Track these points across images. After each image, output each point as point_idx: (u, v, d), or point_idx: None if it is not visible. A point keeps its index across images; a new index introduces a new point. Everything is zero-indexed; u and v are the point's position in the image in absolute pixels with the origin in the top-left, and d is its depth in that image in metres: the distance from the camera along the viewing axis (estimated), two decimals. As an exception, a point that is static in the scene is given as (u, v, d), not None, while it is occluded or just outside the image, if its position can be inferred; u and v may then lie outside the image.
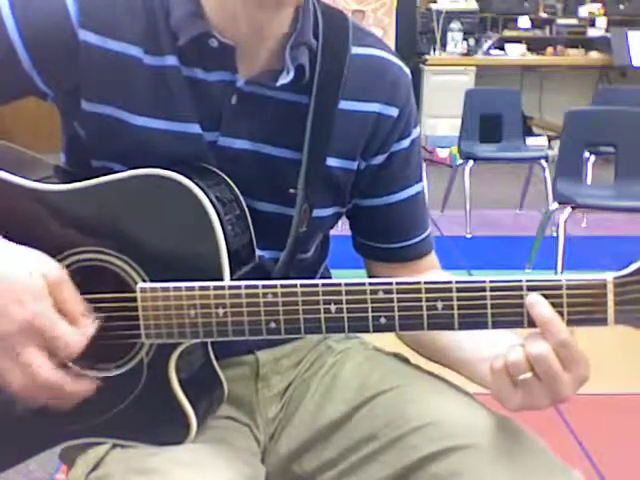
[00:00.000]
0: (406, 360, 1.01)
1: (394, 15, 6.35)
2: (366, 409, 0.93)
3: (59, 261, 0.81)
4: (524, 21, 6.85)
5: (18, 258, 0.76)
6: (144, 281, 0.80)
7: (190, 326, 0.79)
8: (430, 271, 1.02)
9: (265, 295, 0.77)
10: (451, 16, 6.48)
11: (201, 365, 0.89)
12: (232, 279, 0.80)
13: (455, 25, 6.48)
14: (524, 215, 4.72)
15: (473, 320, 0.75)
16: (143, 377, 0.83)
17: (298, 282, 0.77)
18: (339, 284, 0.76)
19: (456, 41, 6.49)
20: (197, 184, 0.79)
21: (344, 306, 0.76)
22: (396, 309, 0.76)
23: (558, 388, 0.75)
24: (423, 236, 1.01)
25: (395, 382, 0.94)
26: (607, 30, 6.73)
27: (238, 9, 0.83)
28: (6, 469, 0.89)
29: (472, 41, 6.62)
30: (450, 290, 0.75)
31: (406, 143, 0.96)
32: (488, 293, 0.74)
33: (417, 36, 6.66)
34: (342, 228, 1.07)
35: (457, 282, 0.75)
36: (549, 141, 5.69)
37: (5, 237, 0.78)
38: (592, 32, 6.84)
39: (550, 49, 6.78)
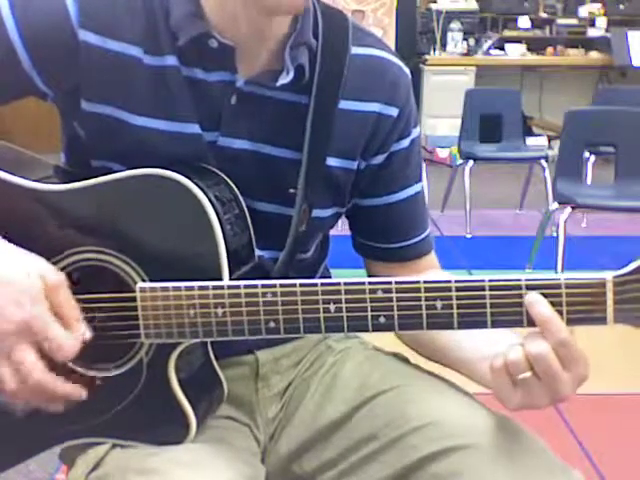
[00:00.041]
0: (406, 360, 1.01)
1: (394, 15, 6.35)
2: (366, 409, 0.93)
3: (59, 261, 0.81)
4: (524, 21, 6.85)
5: (17, 260, 0.76)
6: (143, 281, 0.80)
7: (189, 326, 0.79)
8: (430, 271, 1.02)
9: (264, 295, 0.77)
10: (451, 16, 6.48)
11: (201, 365, 0.89)
12: (231, 279, 0.80)
13: (455, 25, 6.48)
14: (524, 215, 4.72)
15: (472, 319, 0.75)
16: (142, 377, 0.83)
17: (297, 282, 0.77)
18: (338, 283, 0.76)
19: (456, 41, 6.49)
20: (196, 184, 0.79)
21: (343, 305, 0.76)
22: (395, 308, 0.76)
23: (558, 387, 0.75)
24: (423, 236, 1.01)
25: (395, 382, 0.94)
26: (607, 30, 6.73)
27: (238, 10, 0.83)
28: (6, 469, 0.89)
29: (472, 41, 6.62)
30: (449, 289, 0.75)
31: (406, 143, 0.96)
32: (487, 292, 0.74)
33: (417, 36, 6.66)
34: (342, 228, 1.07)
35: (456, 281, 0.75)
36: (549, 141, 5.69)
37: (4, 237, 0.78)
38: (592, 32, 6.84)
39: (550, 49, 6.78)
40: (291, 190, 0.90)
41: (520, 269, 3.52)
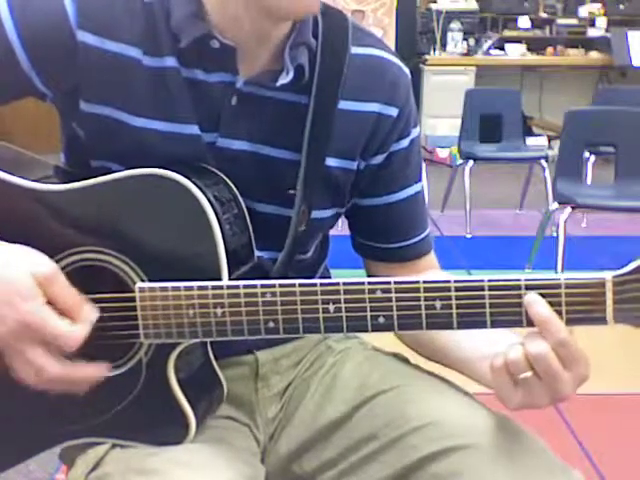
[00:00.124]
0: (406, 360, 1.01)
1: (394, 15, 6.35)
2: (366, 409, 0.93)
3: (58, 261, 0.81)
4: (524, 21, 6.85)
5: (10, 258, 0.76)
6: (143, 281, 0.80)
7: (189, 326, 0.79)
8: (429, 271, 1.02)
9: (264, 295, 0.77)
10: (451, 16, 6.48)
11: (200, 365, 0.88)
12: (231, 279, 0.80)
13: (455, 25, 6.48)
14: (524, 215, 4.72)
15: (472, 319, 0.75)
16: (142, 377, 0.83)
17: (297, 282, 0.77)
18: (337, 283, 0.76)
19: (456, 41, 6.49)
20: (195, 184, 0.79)
21: (342, 306, 0.76)
22: (395, 309, 0.76)
23: (558, 387, 0.75)
24: (422, 236, 1.01)
25: (395, 382, 0.94)
26: (607, 30, 6.73)
27: (241, 13, 0.83)
28: (6, 469, 0.89)
29: (472, 41, 6.62)
30: (449, 289, 0.75)
31: (405, 143, 0.96)
32: (487, 292, 0.74)
33: (417, 36, 6.66)
34: (342, 228, 1.07)
35: (455, 281, 0.75)
36: (549, 141, 5.69)
37: (4, 237, 0.78)
38: (592, 32, 6.84)
39: (550, 49, 6.78)
40: (290, 191, 0.90)
41: (520, 269, 3.52)
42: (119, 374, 0.82)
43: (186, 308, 0.78)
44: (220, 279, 0.79)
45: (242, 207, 0.86)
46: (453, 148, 5.46)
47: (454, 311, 0.75)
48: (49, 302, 0.75)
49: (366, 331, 0.77)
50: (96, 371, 0.79)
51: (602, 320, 0.74)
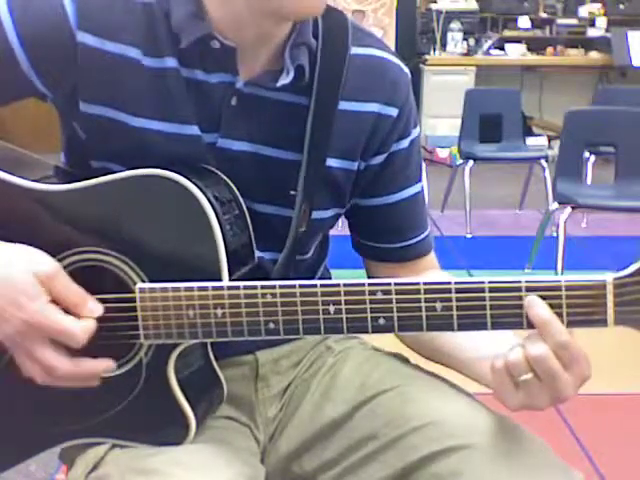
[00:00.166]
0: (406, 360, 1.01)
1: (394, 15, 6.35)
2: (366, 409, 0.93)
3: (58, 261, 0.81)
4: (524, 21, 6.84)
5: (11, 258, 0.76)
6: (143, 281, 0.80)
7: (189, 327, 0.79)
8: (429, 271, 1.02)
9: (264, 296, 0.77)
10: (451, 16, 6.47)
11: (200, 365, 0.88)
12: (231, 279, 0.80)
13: (455, 25, 6.47)
14: (524, 215, 4.72)
15: (472, 321, 0.75)
16: (142, 377, 0.83)
17: (297, 283, 0.77)
18: (338, 285, 0.76)
19: (456, 41, 6.49)
20: (195, 184, 0.79)
21: (343, 307, 0.76)
22: (395, 310, 0.76)
23: (559, 388, 0.75)
24: (422, 236, 1.01)
25: (395, 382, 0.94)
26: (607, 30, 6.72)
27: (244, 14, 0.83)
28: (6, 469, 0.90)
29: (472, 41, 6.62)
30: (449, 291, 0.75)
31: (406, 143, 0.96)
32: (487, 294, 0.74)
33: (417, 36, 6.66)
34: (342, 228, 1.07)
35: (456, 283, 0.75)
36: (549, 141, 5.69)
37: (4, 238, 0.78)
38: (592, 32, 6.83)
39: (550, 49, 6.78)
40: (291, 192, 0.90)
41: (520, 269, 3.52)
42: (119, 374, 0.82)
43: (186, 309, 0.78)
44: (220, 280, 0.79)
45: (242, 208, 0.86)
46: (453, 148, 5.46)
47: (454, 313, 0.75)
48: (53, 300, 0.75)
49: (366, 332, 0.77)
50: (103, 365, 0.79)
51: (603, 322, 0.74)
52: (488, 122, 4.51)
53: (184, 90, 0.86)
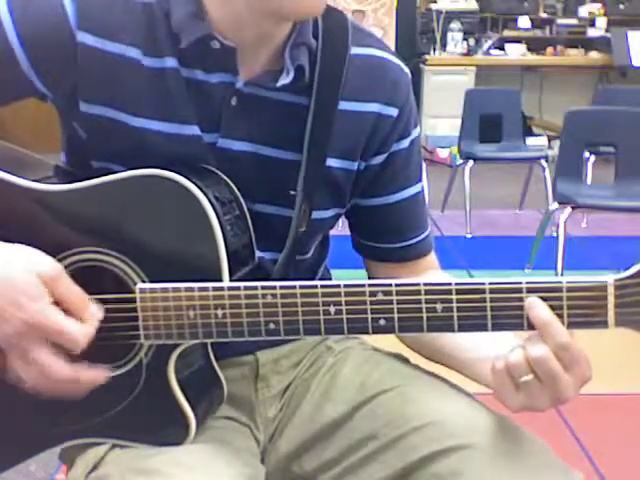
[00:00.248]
0: (406, 360, 1.01)
1: (394, 15, 6.35)
2: (366, 409, 0.93)
3: (58, 261, 0.81)
4: (524, 21, 6.84)
5: (11, 259, 0.76)
6: (143, 282, 0.80)
7: (189, 327, 0.79)
8: (430, 271, 1.02)
9: (264, 296, 0.77)
10: (451, 16, 6.47)
11: (201, 366, 0.88)
12: (232, 280, 0.80)
13: (455, 25, 6.47)
14: (524, 215, 4.72)
15: (473, 322, 0.75)
16: (142, 378, 0.83)
17: (297, 283, 0.77)
18: (338, 285, 0.76)
19: (456, 41, 6.49)
20: (196, 184, 0.79)
21: (343, 308, 0.76)
22: (395, 311, 0.76)
23: (559, 389, 0.75)
24: (423, 236, 1.01)
25: (395, 382, 0.94)
26: (607, 30, 6.72)
27: (244, 15, 0.83)
28: (6, 469, 0.90)
29: (472, 41, 6.62)
30: (450, 292, 0.75)
31: (406, 143, 0.96)
32: (488, 295, 0.74)
33: (417, 36, 6.66)
34: (342, 228, 1.07)
35: (457, 284, 0.75)
36: (549, 141, 5.69)
37: (5, 238, 0.78)
38: (592, 32, 6.83)
39: (550, 49, 6.78)
40: (291, 192, 0.90)
41: (520, 269, 3.52)
42: (119, 375, 0.82)
43: (187, 309, 0.78)
44: (221, 280, 0.79)
45: (243, 208, 0.86)
46: (453, 148, 5.45)
47: (455, 314, 0.75)
48: (54, 302, 0.75)
49: (367, 333, 0.77)
50: (100, 374, 0.79)
51: (603, 324, 0.74)
52: (488, 122, 4.51)
53: (184, 90, 0.86)
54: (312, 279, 1.01)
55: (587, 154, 4.02)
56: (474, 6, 6.65)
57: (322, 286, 0.77)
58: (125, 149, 0.86)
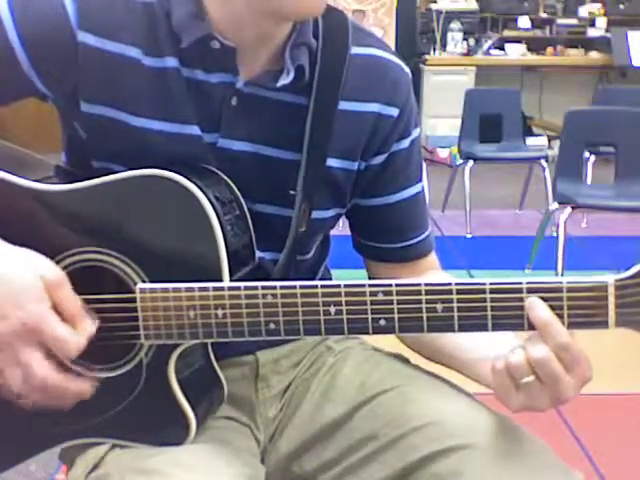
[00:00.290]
0: (406, 360, 1.01)
1: (394, 15, 6.35)
2: (366, 409, 0.93)
3: (59, 261, 0.81)
4: (524, 21, 6.84)
5: (16, 260, 0.76)
6: (143, 282, 0.80)
7: (189, 327, 0.79)
8: (430, 271, 1.02)
9: (264, 296, 0.77)
10: (451, 16, 6.47)
11: (201, 366, 0.88)
12: (232, 280, 0.80)
13: (455, 25, 6.47)
14: (524, 215, 4.72)
15: (473, 322, 0.75)
16: (142, 378, 0.83)
17: (297, 283, 0.77)
18: (338, 285, 0.76)
19: (456, 41, 6.49)
20: (196, 184, 0.79)
21: (344, 308, 0.76)
22: (396, 311, 0.76)
23: (560, 390, 0.75)
24: (423, 236, 1.01)
25: (395, 382, 0.94)
26: (607, 30, 6.72)
27: (244, 15, 0.83)
28: (6, 469, 0.90)
29: (472, 41, 6.62)
30: (450, 292, 0.75)
31: (406, 143, 0.96)
32: (488, 295, 0.74)
33: (417, 36, 6.66)
34: (342, 228, 1.07)
35: (457, 284, 0.75)
36: (549, 141, 5.69)
37: (5, 237, 0.78)
38: (592, 32, 6.83)
39: (550, 49, 6.78)
40: (291, 192, 0.90)
41: (520, 269, 3.52)
42: (120, 375, 0.82)
43: (187, 309, 0.78)
44: (221, 280, 0.79)
45: (243, 208, 0.86)
46: (453, 148, 5.45)
47: (455, 314, 0.75)
48: (53, 308, 0.75)
49: (367, 333, 0.77)
50: (85, 387, 0.78)
51: (604, 324, 0.74)
52: (488, 122, 4.51)
53: (184, 90, 0.86)
54: (312, 279, 1.01)
55: (587, 154, 4.02)
56: (474, 6, 6.65)
57: (322, 286, 0.77)
58: (125, 149, 0.86)
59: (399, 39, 6.28)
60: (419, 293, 0.75)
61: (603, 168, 4.29)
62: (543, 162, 4.30)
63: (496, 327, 0.75)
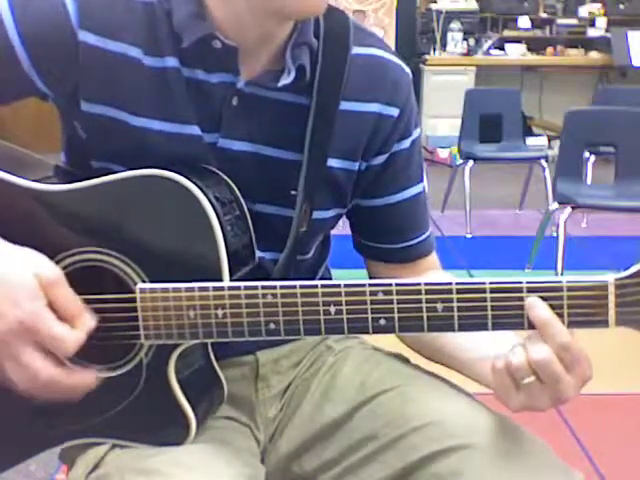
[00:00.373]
0: (406, 360, 1.01)
1: (394, 15, 6.35)
2: (366, 409, 0.93)
3: (59, 261, 0.81)
4: (524, 21, 6.84)
5: (12, 258, 0.76)
6: (143, 282, 0.80)
7: (189, 327, 0.79)
8: (431, 271, 1.02)
9: (264, 296, 0.77)
10: (451, 16, 6.48)
11: (201, 365, 0.88)
12: (232, 280, 0.80)
13: (455, 25, 6.48)
14: (524, 215, 4.72)
15: (473, 322, 0.75)
16: (142, 378, 0.83)
17: (297, 283, 0.77)
18: (338, 285, 0.76)
19: (456, 41, 6.49)
20: (196, 184, 0.79)
21: (344, 307, 0.76)
22: (396, 311, 0.76)
23: (561, 390, 0.75)
24: (424, 237, 1.01)
25: (395, 382, 0.94)
26: (607, 30, 6.72)
27: (245, 14, 0.83)
28: (6, 469, 0.89)
29: (472, 41, 6.62)
30: (450, 292, 0.75)
31: (407, 143, 0.96)
32: (488, 295, 0.74)
33: (417, 36, 6.66)
34: (343, 228, 1.07)
35: (457, 284, 0.75)
36: (549, 141, 5.69)
37: (5, 237, 0.78)
38: (592, 32, 6.84)
39: (550, 49, 6.78)
40: (292, 192, 0.90)
41: (520, 269, 3.52)
42: (120, 375, 0.82)
43: (187, 309, 0.78)
44: (221, 280, 0.79)
45: (243, 208, 0.86)
46: (453, 148, 5.46)
47: (455, 313, 0.75)
48: (50, 306, 0.75)
49: (367, 333, 0.77)
50: (89, 379, 0.78)
51: (604, 323, 0.74)
52: (488, 122, 4.51)
53: (185, 90, 0.86)
54: (313, 279, 1.01)
55: (587, 154, 4.02)
56: (474, 6, 6.65)
57: (322, 286, 0.77)
58: (125, 149, 0.86)
59: (399, 39, 6.28)
60: (419, 293, 0.75)
61: (603, 168, 4.29)
62: (543, 162, 4.30)
63: (496, 327, 0.75)
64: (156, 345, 0.81)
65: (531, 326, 0.75)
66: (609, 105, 3.86)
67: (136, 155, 0.84)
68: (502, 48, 6.71)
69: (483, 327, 0.75)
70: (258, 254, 0.88)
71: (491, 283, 0.74)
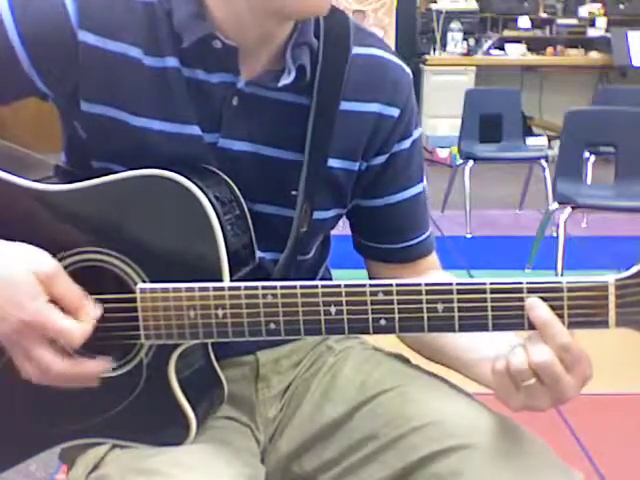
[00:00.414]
0: (406, 360, 1.01)
1: (394, 15, 6.35)
2: (366, 409, 0.93)
3: (59, 261, 0.81)
4: (524, 21, 6.85)
5: (9, 257, 0.76)
6: (144, 282, 0.80)
7: (190, 327, 0.79)
8: (431, 271, 1.02)
9: (265, 296, 0.77)
10: (451, 16, 6.48)
11: (201, 366, 0.88)
12: (232, 280, 0.80)
13: (455, 25, 6.48)
14: (524, 215, 4.72)
15: (473, 322, 0.75)
16: (143, 378, 0.83)
17: (298, 283, 0.77)
18: (339, 285, 0.76)
19: (456, 41, 6.49)
20: (196, 184, 0.79)
21: (344, 308, 0.76)
22: (396, 311, 0.76)
23: (561, 390, 0.75)
24: (424, 237, 1.01)
25: (395, 382, 0.94)
26: (607, 30, 6.73)
27: (246, 14, 0.83)
28: (6, 469, 0.90)
29: (472, 41, 6.62)
30: (451, 292, 0.75)
31: (407, 144, 0.96)
32: (489, 295, 0.74)
33: (417, 36, 6.66)
34: (343, 228, 1.07)
35: (458, 284, 0.75)
36: (549, 141, 5.69)
37: (5, 237, 0.78)
38: (592, 32, 6.84)
39: (550, 49, 6.78)
40: (292, 192, 0.90)
41: (520, 269, 3.52)
42: (120, 375, 0.82)
43: (187, 309, 0.78)
44: (221, 280, 0.79)
45: (244, 208, 0.86)
46: (453, 148, 5.46)
47: (456, 314, 0.75)
48: (52, 300, 0.75)
49: (367, 333, 0.77)
50: (100, 366, 0.79)
51: (604, 324, 0.74)
52: (488, 122, 4.51)
53: (185, 90, 0.86)
54: (313, 279, 1.01)
55: (587, 154, 4.02)
56: (474, 6, 6.65)
57: (323, 286, 0.77)
58: (125, 149, 0.86)
59: (399, 39, 6.28)
60: (419, 293, 0.75)
61: (603, 168, 4.29)
62: (543, 162, 4.30)
63: (496, 327, 0.75)
64: (156, 345, 0.81)
65: (531, 327, 0.75)
66: (609, 105, 3.87)
67: (136, 155, 0.85)
68: (502, 48, 6.71)
69: (483, 327, 0.75)
70: (258, 254, 0.88)
71: (491, 283, 0.74)
